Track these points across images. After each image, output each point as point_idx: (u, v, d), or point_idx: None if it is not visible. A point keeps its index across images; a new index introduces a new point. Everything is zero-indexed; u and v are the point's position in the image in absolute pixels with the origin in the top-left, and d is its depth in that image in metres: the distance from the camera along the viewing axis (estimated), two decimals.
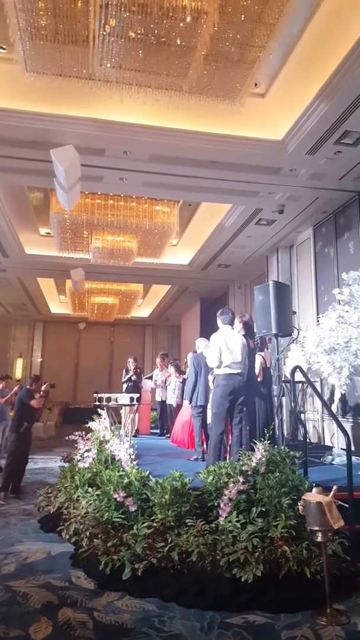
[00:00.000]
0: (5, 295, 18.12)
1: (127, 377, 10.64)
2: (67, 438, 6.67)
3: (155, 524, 4.20)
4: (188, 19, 4.69)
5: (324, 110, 6.11)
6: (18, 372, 22.30)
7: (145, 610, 3.47)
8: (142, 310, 21.01)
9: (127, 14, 4.66)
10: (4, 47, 6.02)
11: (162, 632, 3.15)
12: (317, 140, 6.76)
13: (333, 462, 6.70)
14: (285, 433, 7.44)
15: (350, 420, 7.91)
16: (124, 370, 10.97)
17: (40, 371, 22.90)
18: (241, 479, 4.28)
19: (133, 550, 3.97)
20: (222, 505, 4.20)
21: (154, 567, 3.85)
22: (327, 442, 8.76)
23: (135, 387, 10.40)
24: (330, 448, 7.57)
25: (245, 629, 3.22)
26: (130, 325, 23.00)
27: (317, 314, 9.15)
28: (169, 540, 4.02)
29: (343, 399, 7.72)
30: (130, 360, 10.85)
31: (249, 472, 4.45)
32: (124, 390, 10.49)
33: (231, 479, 4.36)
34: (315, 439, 9.34)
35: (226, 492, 4.24)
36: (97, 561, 4.02)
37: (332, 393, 8.03)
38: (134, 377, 10.56)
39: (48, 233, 12.17)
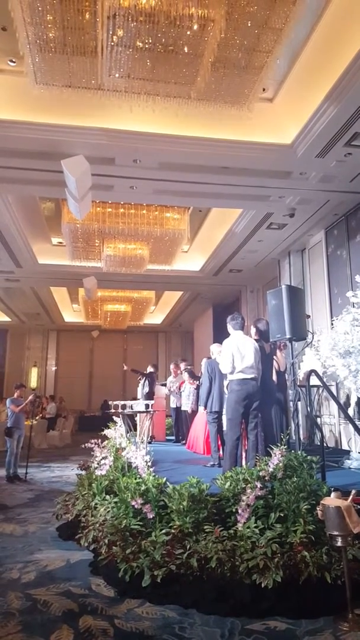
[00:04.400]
0: (20, 305, 18.30)
1: (143, 376, 10.83)
2: (83, 446, 6.69)
3: (173, 531, 4.19)
4: (195, 27, 4.73)
5: (333, 113, 6.11)
6: (33, 381, 22.45)
7: (165, 617, 3.45)
8: (155, 317, 21.06)
9: (135, 24, 4.71)
10: (13, 60, 6.12)
11: (182, 639, 3.14)
12: (327, 143, 6.76)
13: (351, 467, 6.63)
14: (301, 437, 7.38)
15: None
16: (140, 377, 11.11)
17: (55, 380, 23.08)
18: (259, 485, 4.26)
19: (152, 557, 3.96)
20: (240, 511, 4.18)
21: (173, 573, 3.83)
22: (345, 446, 8.69)
23: (150, 394, 10.46)
24: (347, 452, 7.50)
25: (267, 635, 3.19)
26: (143, 332, 23.06)
27: (331, 317, 9.10)
28: (188, 546, 4.00)
29: (359, 402, 7.65)
30: (149, 367, 11.00)
31: (266, 478, 4.42)
32: (139, 395, 10.60)
33: (249, 485, 4.33)
34: (332, 443, 9.27)
35: (244, 497, 4.22)
36: (116, 568, 4.02)
37: (348, 396, 7.97)
38: (147, 372, 10.72)
39: (60, 242, 12.29)
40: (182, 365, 10.91)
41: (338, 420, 9.18)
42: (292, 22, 4.92)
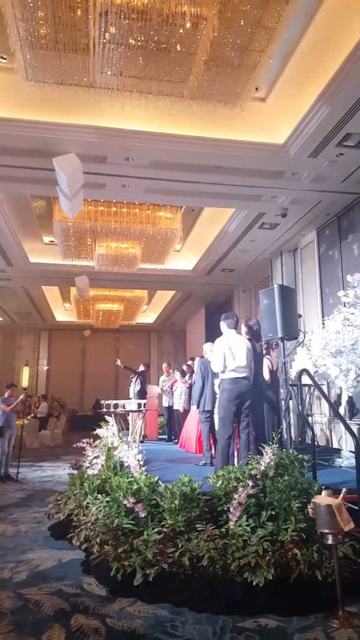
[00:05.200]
0: (11, 304, 18.20)
1: (135, 377, 10.82)
2: (75, 445, 6.67)
3: (165, 530, 4.19)
4: (188, 25, 4.72)
5: (325, 113, 6.12)
6: (24, 381, 22.34)
7: (157, 616, 3.45)
8: (147, 316, 21.04)
9: (127, 21, 4.69)
10: (4, 56, 6.07)
11: (174, 637, 3.13)
12: (319, 144, 6.77)
13: (342, 465, 6.67)
14: (293, 436, 7.41)
15: (358, 422, 7.88)
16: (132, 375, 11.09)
17: (47, 379, 22.98)
18: (250, 483, 4.27)
19: (144, 556, 3.96)
20: (231, 509, 4.19)
21: (165, 572, 3.83)
22: (335, 445, 8.73)
23: (142, 393, 10.45)
24: (338, 450, 7.54)
25: (258, 633, 3.20)
26: (136, 331, 23.04)
27: (323, 317, 9.14)
28: (180, 545, 4.01)
29: (350, 401, 7.69)
30: (141, 366, 10.98)
31: (258, 476, 4.43)
32: (131, 395, 10.59)
33: (240, 483, 4.34)
34: (323, 441, 9.30)
35: (236, 496, 4.23)
36: (108, 567, 4.01)
37: (339, 396, 8.01)
38: (139, 370, 10.73)
39: (52, 241, 12.23)
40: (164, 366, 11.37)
41: (329, 419, 9.21)
42: (285, 22, 4.92)
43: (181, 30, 4.77)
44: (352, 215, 8.80)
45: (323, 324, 8.20)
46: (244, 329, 6.42)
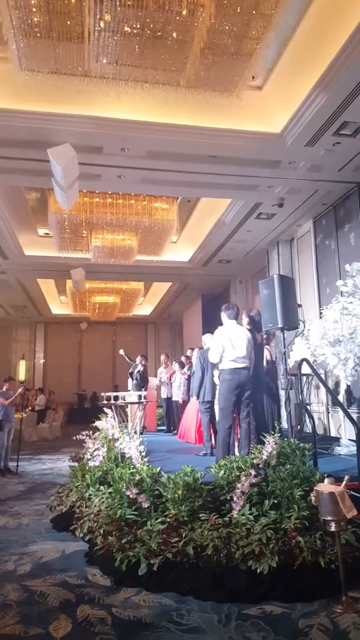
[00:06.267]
0: (6, 297, 18.12)
1: (135, 370, 10.75)
2: (74, 438, 6.67)
3: (169, 520, 4.20)
4: (184, 12, 4.68)
5: (322, 101, 6.09)
6: (21, 374, 22.30)
7: (162, 605, 3.47)
8: (144, 308, 21.01)
9: (122, 8, 4.64)
10: None
11: (180, 625, 3.15)
12: (316, 132, 6.74)
13: (341, 453, 6.70)
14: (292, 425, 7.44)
15: (356, 411, 7.91)
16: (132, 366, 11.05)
17: (44, 372, 22.94)
18: (253, 472, 4.29)
19: (148, 546, 3.97)
20: (234, 498, 4.21)
21: (170, 561, 3.85)
22: (333, 434, 8.77)
23: (141, 384, 10.45)
24: (336, 439, 7.57)
25: (263, 620, 3.22)
26: (132, 323, 23.02)
27: (320, 307, 9.15)
28: (184, 534, 4.02)
29: (348, 390, 7.72)
30: (139, 358, 10.95)
31: (260, 465, 4.45)
32: (129, 386, 10.59)
33: (243, 473, 4.36)
34: (321, 430, 9.34)
35: (238, 485, 4.25)
36: (112, 558, 4.03)
37: (337, 385, 8.03)
38: (140, 368, 10.67)
39: (47, 233, 12.16)
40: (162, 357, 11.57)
41: (327, 408, 9.25)
42: (282, 9, 4.89)
43: (177, 18, 4.74)
44: (349, 205, 8.78)
45: (320, 313, 8.21)
46: (245, 319, 6.41)
